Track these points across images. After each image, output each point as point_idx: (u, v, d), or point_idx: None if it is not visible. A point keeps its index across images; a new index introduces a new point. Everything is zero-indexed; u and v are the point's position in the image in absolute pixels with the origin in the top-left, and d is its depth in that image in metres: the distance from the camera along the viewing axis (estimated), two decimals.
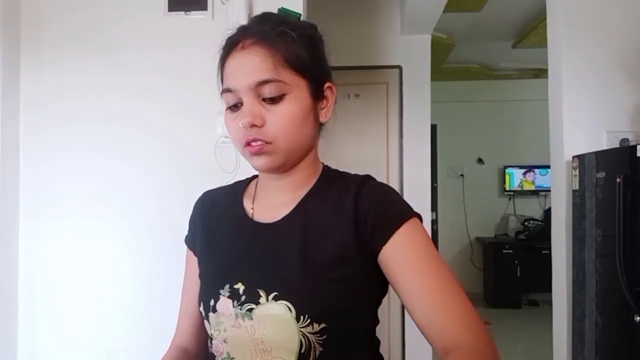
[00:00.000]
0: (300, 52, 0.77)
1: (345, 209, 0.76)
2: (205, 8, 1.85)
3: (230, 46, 0.78)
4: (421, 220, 0.78)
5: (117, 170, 1.86)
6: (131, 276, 1.86)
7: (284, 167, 0.79)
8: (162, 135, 1.87)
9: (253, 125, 0.74)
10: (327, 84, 0.83)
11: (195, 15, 1.85)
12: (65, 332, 1.86)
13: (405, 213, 0.76)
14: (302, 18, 1.82)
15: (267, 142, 0.75)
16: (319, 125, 0.84)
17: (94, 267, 1.86)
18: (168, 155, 1.86)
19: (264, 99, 0.75)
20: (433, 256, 0.74)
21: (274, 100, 0.74)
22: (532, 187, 5.73)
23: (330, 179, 0.84)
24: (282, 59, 0.75)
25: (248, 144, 0.75)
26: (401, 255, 0.73)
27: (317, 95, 0.80)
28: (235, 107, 0.77)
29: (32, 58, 1.89)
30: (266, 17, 0.82)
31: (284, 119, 0.75)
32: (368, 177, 0.82)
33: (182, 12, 1.86)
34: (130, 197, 1.86)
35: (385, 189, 0.80)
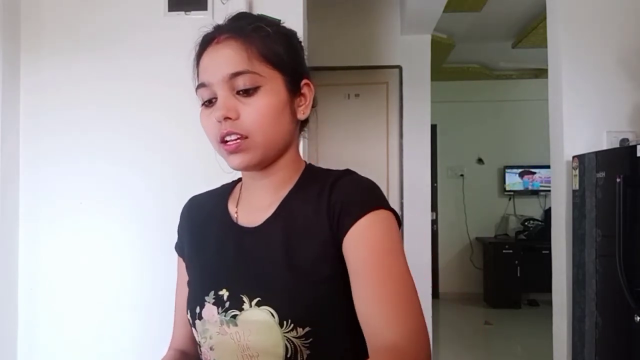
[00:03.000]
0: (275, 46, 0.76)
1: (322, 205, 0.75)
2: (205, 8, 1.85)
3: (206, 43, 0.77)
4: (396, 216, 0.75)
5: (117, 171, 1.87)
6: (131, 276, 1.87)
7: (261, 164, 0.77)
8: (161, 136, 1.87)
9: (227, 119, 0.72)
10: (305, 81, 0.80)
11: (195, 15, 1.86)
12: (65, 332, 1.86)
13: (372, 204, 0.72)
14: (302, 18, 1.83)
15: (242, 137, 0.73)
16: (298, 124, 0.82)
17: (94, 268, 1.86)
18: (168, 156, 1.87)
19: (238, 92, 0.73)
20: (390, 250, 0.70)
21: (249, 92, 0.73)
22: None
23: (311, 176, 0.82)
24: (256, 51, 0.74)
25: (224, 141, 0.73)
26: (356, 246, 0.70)
27: (294, 90, 0.78)
28: (210, 102, 0.75)
29: (32, 59, 1.89)
30: (242, 15, 0.82)
31: (258, 111, 0.73)
32: (347, 172, 0.80)
33: (182, 12, 1.86)
34: (130, 198, 1.86)
35: (359, 181, 0.78)
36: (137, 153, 1.87)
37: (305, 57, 0.83)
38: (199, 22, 1.97)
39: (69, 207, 1.86)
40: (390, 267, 0.69)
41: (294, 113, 0.79)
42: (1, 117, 1.78)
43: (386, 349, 0.64)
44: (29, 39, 1.89)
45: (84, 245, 1.87)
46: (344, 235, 0.72)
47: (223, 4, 1.83)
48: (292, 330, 0.70)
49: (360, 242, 0.71)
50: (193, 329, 0.79)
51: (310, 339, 0.71)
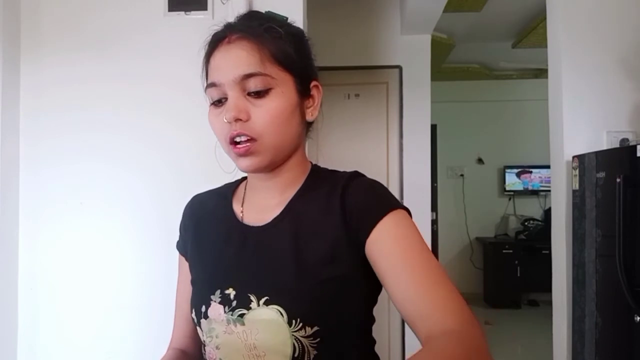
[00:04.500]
0: (286, 48, 0.76)
1: (333, 207, 0.75)
2: (205, 8, 1.85)
3: (217, 41, 0.77)
4: (409, 214, 0.76)
5: (117, 171, 1.87)
6: (131, 276, 1.86)
7: (270, 167, 0.78)
8: (162, 136, 1.87)
9: (238, 120, 0.72)
10: (314, 83, 0.81)
11: (195, 15, 1.86)
12: (65, 332, 1.86)
13: (390, 205, 0.74)
14: (302, 19, 1.82)
15: (252, 138, 0.73)
16: (306, 125, 0.82)
17: (94, 268, 1.86)
18: (168, 156, 1.87)
19: (249, 94, 0.73)
20: (417, 245, 0.71)
21: (260, 94, 0.73)
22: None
23: (318, 177, 0.82)
24: (268, 53, 0.74)
25: (233, 143, 0.73)
26: (385, 244, 0.71)
27: (304, 92, 0.79)
28: (219, 102, 0.75)
29: (32, 59, 1.89)
30: (253, 14, 0.82)
31: (269, 114, 0.73)
32: (356, 174, 0.81)
33: (182, 12, 1.86)
34: (130, 199, 1.86)
35: (372, 183, 0.79)
36: (137, 153, 1.87)
37: (314, 56, 0.83)
38: (199, 22, 1.99)
39: (69, 207, 1.86)
40: (426, 259, 0.70)
41: (303, 115, 0.79)
42: (1, 117, 1.78)
43: (448, 333, 0.63)
44: (29, 39, 1.89)
45: (84, 246, 1.87)
46: (367, 237, 0.72)
47: (223, 4, 1.83)
48: (300, 329, 0.70)
49: (389, 240, 0.71)
50: (198, 328, 0.79)
51: (318, 339, 0.71)
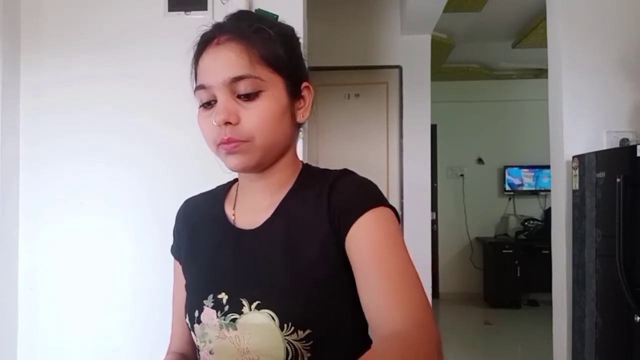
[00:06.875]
0: (277, 49, 0.74)
1: (321, 205, 0.74)
2: (205, 8, 1.85)
3: (205, 43, 0.75)
4: (396, 213, 0.75)
5: (117, 171, 1.87)
6: (131, 276, 1.87)
7: (259, 167, 0.76)
8: (161, 136, 1.87)
9: (227, 123, 0.71)
10: (305, 84, 0.80)
11: (195, 15, 1.86)
12: (65, 332, 1.86)
13: (372, 202, 0.72)
14: (302, 18, 1.82)
15: (242, 141, 0.72)
16: (297, 126, 0.81)
17: (94, 268, 1.87)
18: (168, 156, 1.87)
19: (238, 96, 0.72)
20: (392, 244, 0.70)
21: (249, 97, 0.72)
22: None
23: (309, 177, 0.81)
24: (258, 55, 0.72)
25: (222, 142, 0.72)
26: (360, 241, 0.70)
27: (294, 94, 0.77)
28: (208, 104, 0.74)
29: (32, 59, 1.89)
30: (242, 14, 0.80)
31: (259, 116, 0.72)
32: (345, 171, 0.80)
33: (182, 12, 1.86)
34: (129, 199, 1.86)
35: (359, 180, 0.78)
36: (137, 153, 1.87)
37: (304, 55, 0.82)
38: (199, 22, 1.97)
39: (69, 207, 1.86)
40: (392, 260, 0.69)
41: (293, 116, 0.78)
42: (1, 117, 1.78)
43: (391, 336, 0.62)
44: (29, 39, 1.89)
45: (84, 246, 1.87)
46: (346, 234, 0.71)
47: (223, 3, 1.83)
48: (292, 333, 0.70)
49: (362, 239, 0.70)
50: (192, 332, 0.79)
51: (311, 342, 0.70)
